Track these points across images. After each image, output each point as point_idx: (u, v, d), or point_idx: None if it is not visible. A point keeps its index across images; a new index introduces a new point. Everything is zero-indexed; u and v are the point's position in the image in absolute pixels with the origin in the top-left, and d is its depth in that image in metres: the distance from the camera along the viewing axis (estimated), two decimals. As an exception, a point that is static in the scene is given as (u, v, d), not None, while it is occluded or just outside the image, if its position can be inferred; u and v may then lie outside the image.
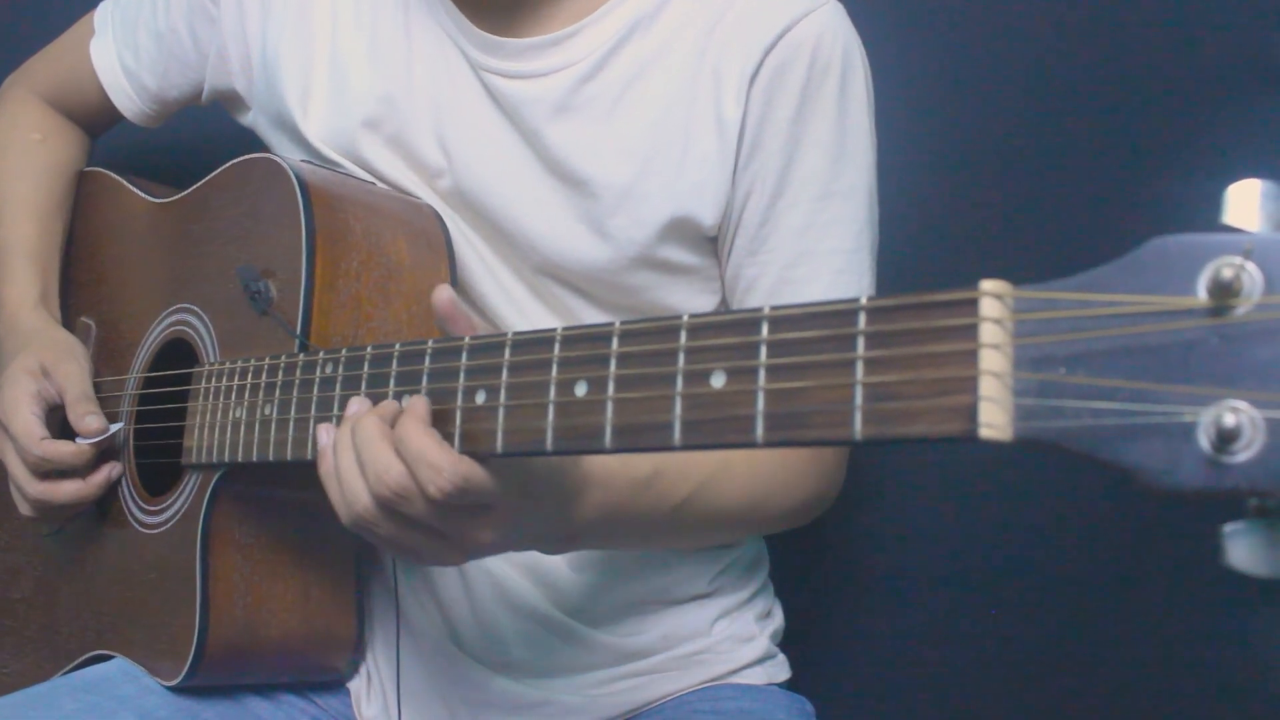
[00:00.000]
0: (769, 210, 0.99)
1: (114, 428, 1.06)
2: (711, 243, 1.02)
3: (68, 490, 1.05)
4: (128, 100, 1.23)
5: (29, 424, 1.04)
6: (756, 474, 0.95)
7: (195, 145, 1.25)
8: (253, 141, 1.15)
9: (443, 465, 0.70)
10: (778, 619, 1.15)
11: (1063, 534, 1.34)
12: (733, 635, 1.10)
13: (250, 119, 1.16)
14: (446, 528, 0.74)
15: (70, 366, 1.08)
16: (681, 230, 0.99)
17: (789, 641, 1.15)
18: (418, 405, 0.73)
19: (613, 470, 0.82)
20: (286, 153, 1.09)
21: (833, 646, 1.39)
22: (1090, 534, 1.33)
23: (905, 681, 1.40)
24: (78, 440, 1.05)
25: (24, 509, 1.08)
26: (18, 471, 1.06)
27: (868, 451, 1.07)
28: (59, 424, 1.07)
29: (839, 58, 0.98)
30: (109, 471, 1.07)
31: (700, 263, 1.02)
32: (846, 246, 1.00)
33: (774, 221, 0.99)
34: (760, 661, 1.11)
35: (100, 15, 1.25)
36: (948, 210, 1.33)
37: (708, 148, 0.97)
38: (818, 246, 0.99)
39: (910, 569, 1.40)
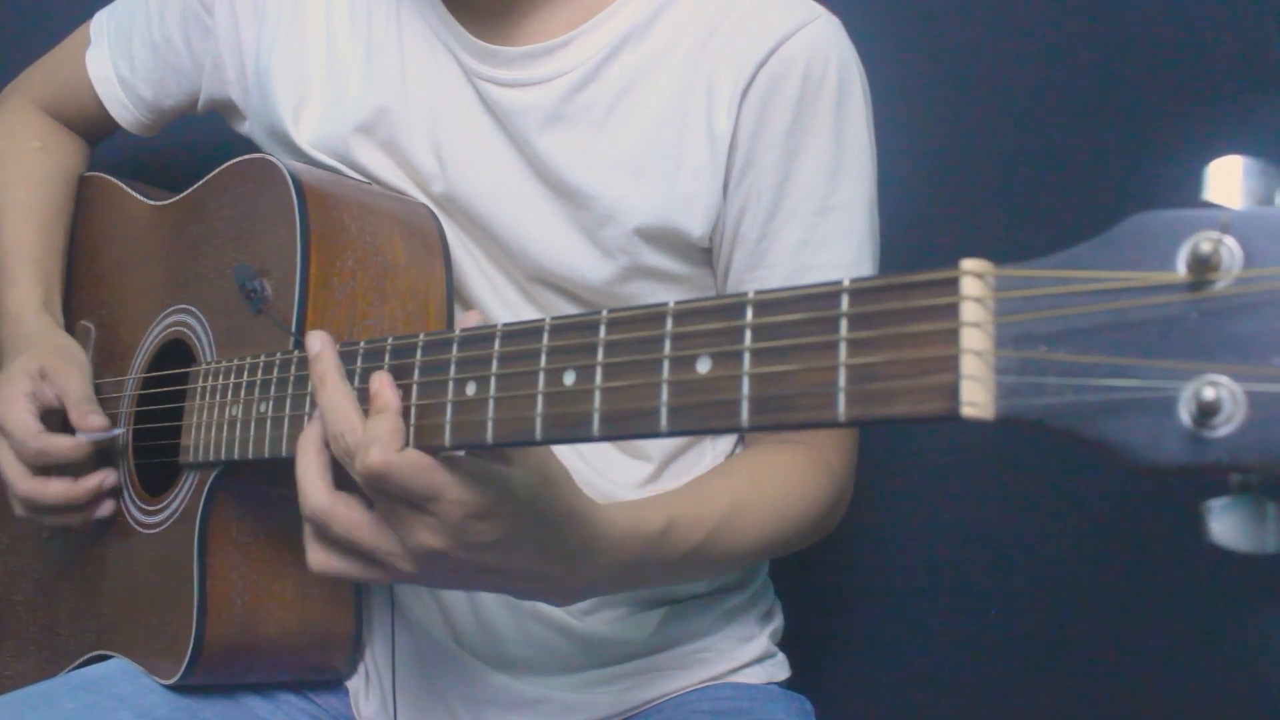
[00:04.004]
0: (766, 225, 0.99)
1: (116, 430, 1.07)
2: (703, 253, 1.02)
3: (56, 489, 1.05)
4: (124, 110, 1.24)
5: (24, 419, 1.04)
6: (769, 509, 0.94)
7: (195, 149, 1.25)
8: (252, 145, 1.15)
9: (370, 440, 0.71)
10: (777, 618, 1.15)
11: (1063, 534, 1.34)
12: (732, 634, 1.10)
13: (247, 128, 1.16)
14: (388, 512, 0.73)
15: (71, 371, 1.08)
16: (671, 240, 1.00)
17: (789, 641, 1.15)
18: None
19: (625, 531, 0.81)
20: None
21: (833, 646, 1.39)
22: (1091, 534, 1.33)
23: (905, 681, 1.39)
24: (77, 435, 1.05)
25: (17, 509, 1.08)
26: (10, 468, 1.06)
27: (867, 450, 1.07)
28: (58, 427, 1.07)
29: (834, 72, 0.98)
30: (101, 479, 1.06)
31: (691, 272, 1.03)
32: (846, 260, 1.00)
33: (772, 236, 0.99)
34: (760, 661, 1.11)
35: (96, 25, 1.26)
36: (929, 191, 1.33)
37: (699, 161, 0.98)
38: (816, 260, 0.99)
39: (910, 569, 1.40)
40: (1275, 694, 1.21)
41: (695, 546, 0.87)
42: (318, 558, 0.77)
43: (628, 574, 0.86)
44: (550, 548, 0.77)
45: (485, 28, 1.02)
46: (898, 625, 1.40)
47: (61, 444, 1.05)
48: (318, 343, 0.77)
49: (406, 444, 0.72)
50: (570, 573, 0.80)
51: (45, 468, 1.06)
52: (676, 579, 1.03)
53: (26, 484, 1.05)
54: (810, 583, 1.28)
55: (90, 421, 1.05)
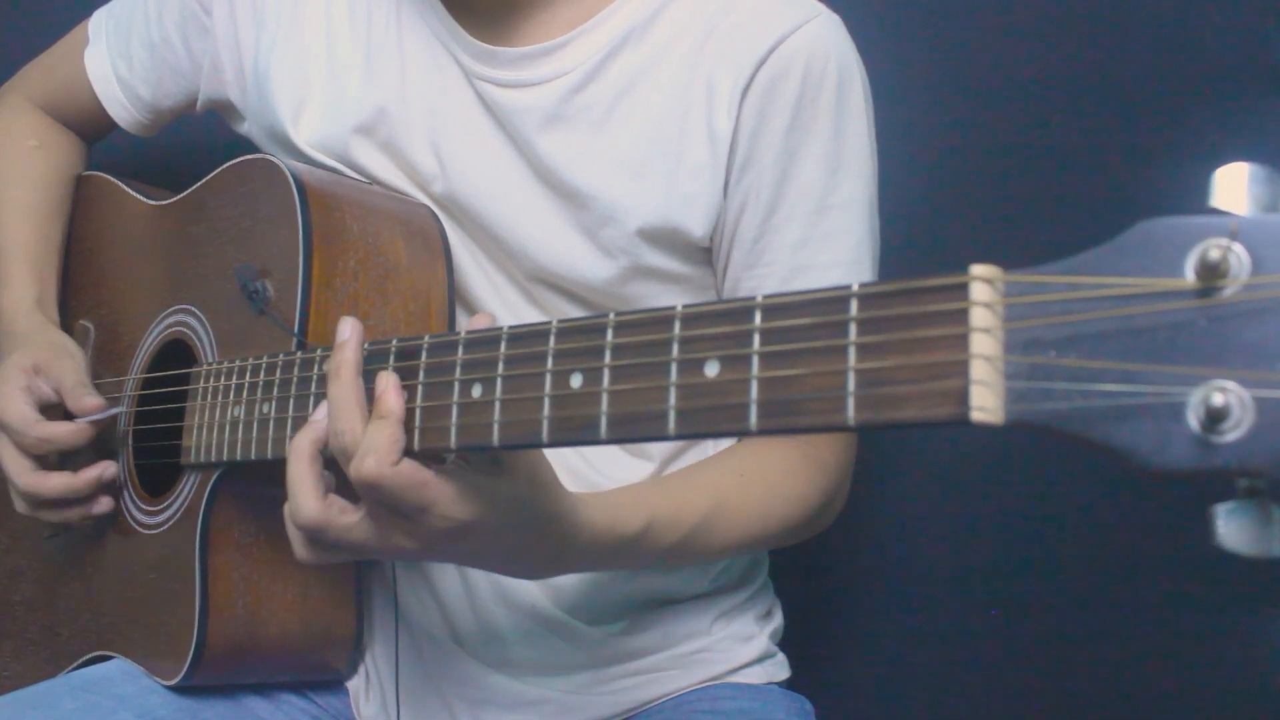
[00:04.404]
0: (765, 224, 0.99)
1: (114, 409, 1.06)
2: (704, 252, 1.02)
3: (56, 482, 1.05)
4: (122, 110, 1.24)
5: (22, 411, 1.04)
6: (755, 508, 0.95)
7: (195, 149, 1.25)
8: (251, 145, 1.15)
9: (371, 448, 0.72)
10: (777, 618, 1.15)
11: (1063, 534, 1.34)
12: (732, 634, 1.10)
13: (246, 129, 1.16)
14: (374, 510, 0.75)
15: (65, 362, 1.08)
16: (671, 240, 1.00)
17: (789, 641, 1.15)
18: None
19: (599, 531, 0.83)
20: None
21: (833, 646, 1.39)
22: (1091, 534, 1.33)
23: (905, 681, 1.40)
24: (77, 420, 1.05)
25: (18, 504, 1.08)
26: (11, 462, 1.06)
27: (868, 450, 1.07)
28: (58, 420, 1.07)
29: (834, 70, 0.98)
30: (101, 470, 1.06)
31: (692, 271, 1.03)
32: (845, 259, 1.00)
33: (770, 235, 0.99)
34: (760, 661, 1.11)
35: (95, 24, 1.26)
36: (938, 197, 1.33)
37: (699, 160, 0.98)
38: (815, 260, 0.99)
39: (910, 569, 1.40)
40: (1276, 695, 1.21)
41: (672, 545, 0.89)
42: (307, 555, 0.80)
43: (600, 564, 0.91)
44: (524, 549, 0.80)
45: (485, 28, 1.02)
46: (898, 625, 1.40)
47: (61, 429, 1.05)
48: (348, 330, 0.77)
49: (407, 450, 0.73)
50: (540, 565, 0.84)
51: (48, 458, 1.06)
52: (654, 568, 1.04)
53: (28, 478, 1.05)
54: (810, 583, 1.28)
55: (86, 404, 1.05)
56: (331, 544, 0.77)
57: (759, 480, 0.96)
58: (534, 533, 0.78)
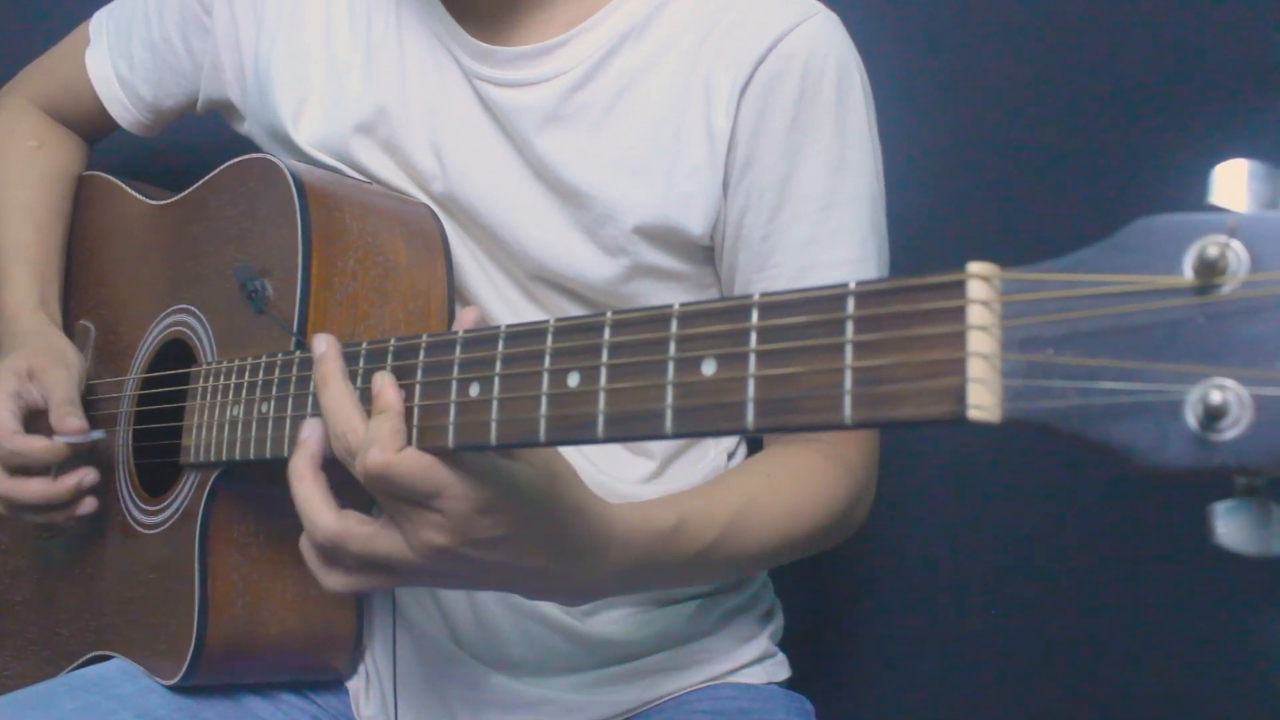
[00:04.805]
0: (770, 224, 0.99)
1: (95, 434, 1.06)
2: (705, 251, 1.02)
3: (34, 488, 1.04)
4: (123, 110, 1.24)
5: (1, 419, 1.04)
6: (786, 507, 0.94)
7: (195, 149, 1.25)
8: (251, 145, 1.15)
9: (373, 440, 0.71)
10: (778, 618, 1.15)
11: (1063, 535, 1.34)
12: (733, 634, 1.10)
13: (246, 129, 1.16)
14: (393, 510, 0.73)
15: (59, 372, 1.08)
16: (670, 238, 1.00)
17: (789, 641, 1.15)
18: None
19: (633, 526, 0.81)
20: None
21: (833, 646, 1.39)
22: (1091, 535, 1.33)
23: (905, 681, 1.40)
24: (54, 438, 1.04)
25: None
26: None
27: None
28: (45, 428, 1.07)
29: (833, 68, 0.98)
30: (80, 477, 1.05)
31: (692, 270, 1.03)
32: (852, 257, 1.00)
33: (777, 235, 0.99)
34: (760, 660, 1.11)
35: (95, 24, 1.26)
36: (938, 197, 1.33)
37: (698, 159, 0.97)
38: (822, 258, 0.99)
39: (910, 569, 1.40)
40: (1276, 695, 1.21)
41: (708, 545, 0.87)
42: (334, 580, 0.77)
43: (639, 573, 0.85)
44: (559, 545, 0.77)
45: (484, 28, 1.02)
46: (898, 626, 1.40)
47: (34, 445, 1.04)
48: (323, 344, 0.77)
49: (408, 444, 0.72)
50: (579, 570, 0.79)
51: (25, 468, 1.05)
52: (693, 580, 1.03)
53: (5, 483, 1.05)
54: (810, 583, 1.28)
55: (67, 424, 1.05)
56: (356, 558, 0.75)
57: (786, 480, 0.95)
58: (563, 525, 0.76)
